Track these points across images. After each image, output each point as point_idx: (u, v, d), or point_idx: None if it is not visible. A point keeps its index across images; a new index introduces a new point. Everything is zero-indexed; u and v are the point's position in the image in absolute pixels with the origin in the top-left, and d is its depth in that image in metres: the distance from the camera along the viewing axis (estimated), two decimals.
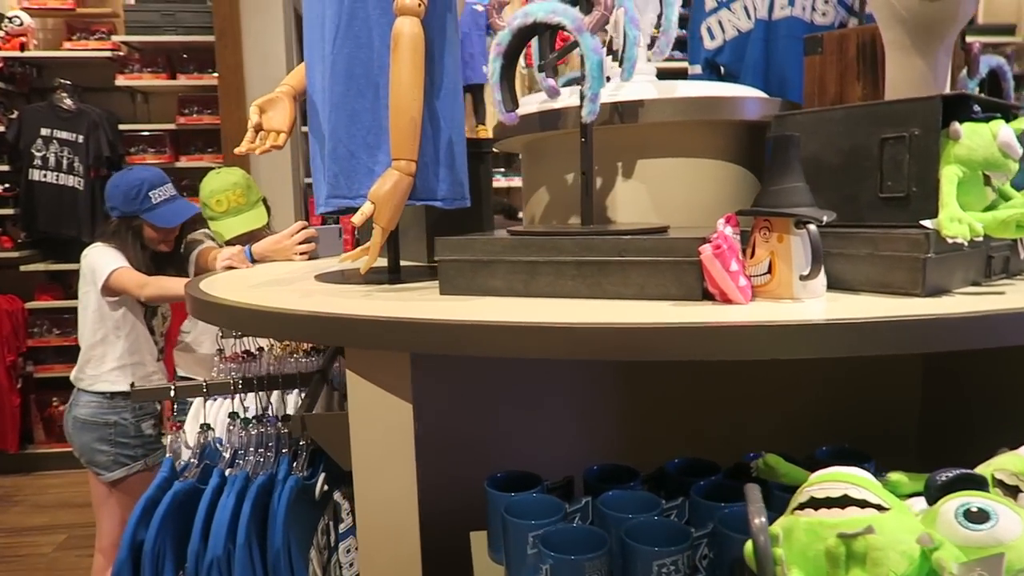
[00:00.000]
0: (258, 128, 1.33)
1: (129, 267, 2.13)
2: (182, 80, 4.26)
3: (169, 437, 1.35)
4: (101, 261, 2.15)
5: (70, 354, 4.40)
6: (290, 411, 1.53)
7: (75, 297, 4.55)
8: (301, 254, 1.90)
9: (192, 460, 1.32)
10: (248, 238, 2.38)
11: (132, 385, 1.34)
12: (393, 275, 1.35)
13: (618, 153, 1.35)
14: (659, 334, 0.84)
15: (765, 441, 1.24)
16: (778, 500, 0.99)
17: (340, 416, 1.07)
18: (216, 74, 4.12)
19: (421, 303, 1.06)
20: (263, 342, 2.11)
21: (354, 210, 1.21)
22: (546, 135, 1.45)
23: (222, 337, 1.88)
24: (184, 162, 4.36)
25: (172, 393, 1.32)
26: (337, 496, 1.40)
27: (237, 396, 1.43)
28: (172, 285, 2.07)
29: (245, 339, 1.99)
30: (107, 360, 2.18)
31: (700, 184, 1.36)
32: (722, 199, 1.37)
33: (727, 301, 0.92)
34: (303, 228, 1.92)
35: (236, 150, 1.31)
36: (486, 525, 1.18)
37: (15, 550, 3.39)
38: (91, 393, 2.20)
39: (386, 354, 1.00)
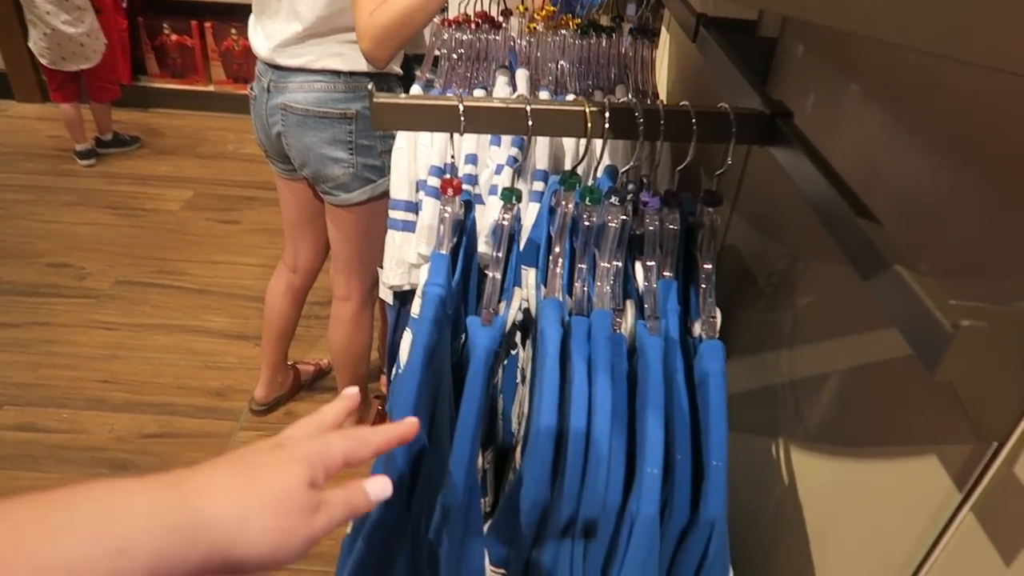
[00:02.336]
0: None
1: None
2: None
3: (429, 206, 0.65)
4: None
5: None
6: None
7: None
8: None
9: (492, 278, 0.63)
10: None
11: (371, 91, 0.60)
12: None
13: None
14: None
15: None
16: None
17: None
18: None
19: None
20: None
21: None
22: None
23: None
24: None
25: (462, 127, 0.59)
26: None
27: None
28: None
29: None
30: (344, 32, 1.34)
31: None
32: None
33: None
34: None
35: None
36: None
37: (140, 202, 3.03)
38: (315, 73, 1.38)
39: None
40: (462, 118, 0.60)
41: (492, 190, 1.08)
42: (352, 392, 0.47)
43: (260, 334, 2.32)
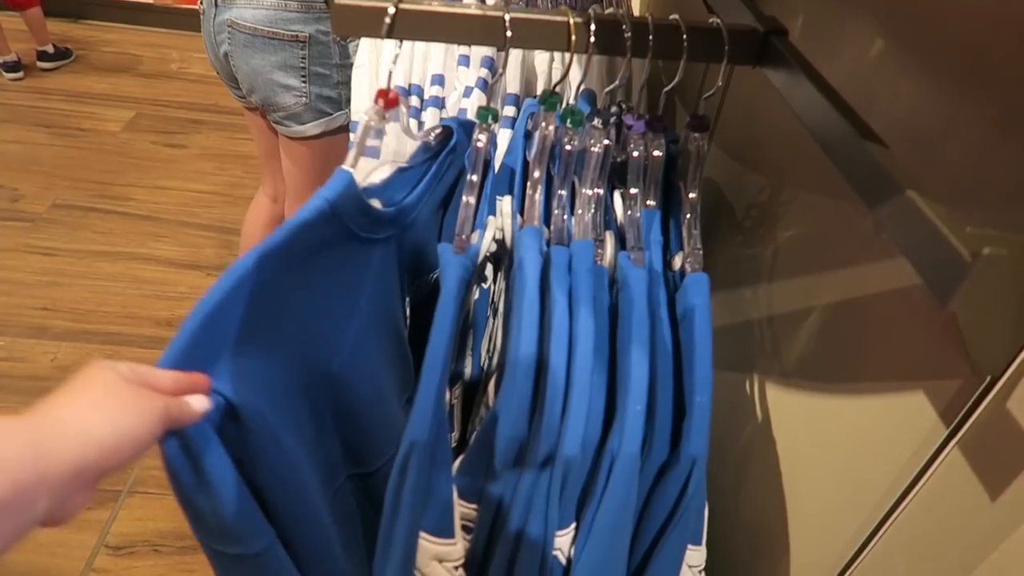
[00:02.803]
0: None
1: None
2: None
3: (392, 129, 0.60)
4: None
5: None
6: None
7: None
8: None
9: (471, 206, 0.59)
10: None
11: None
12: None
13: None
14: None
15: None
16: None
17: None
18: None
19: None
20: None
21: None
22: None
23: None
24: None
25: (397, 34, 0.53)
26: None
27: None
28: None
29: None
30: None
31: None
32: None
33: None
34: None
35: None
36: None
37: (78, 121, 2.85)
38: None
39: None
40: (432, 24, 0.55)
41: (460, 114, 1.03)
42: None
43: (213, 264, 2.24)
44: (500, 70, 0.82)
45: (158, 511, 1.55)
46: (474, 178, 0.60)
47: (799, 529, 0.63)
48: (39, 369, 1.84)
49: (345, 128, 1.32)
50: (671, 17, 0.59)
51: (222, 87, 1.51)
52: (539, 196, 0.60)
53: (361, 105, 1.04)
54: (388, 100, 0.59)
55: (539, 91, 1.05)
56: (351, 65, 1.28)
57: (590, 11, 0.58)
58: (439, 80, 1.05)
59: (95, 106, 2.96)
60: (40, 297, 2.04)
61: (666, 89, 0.62)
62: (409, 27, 0.55)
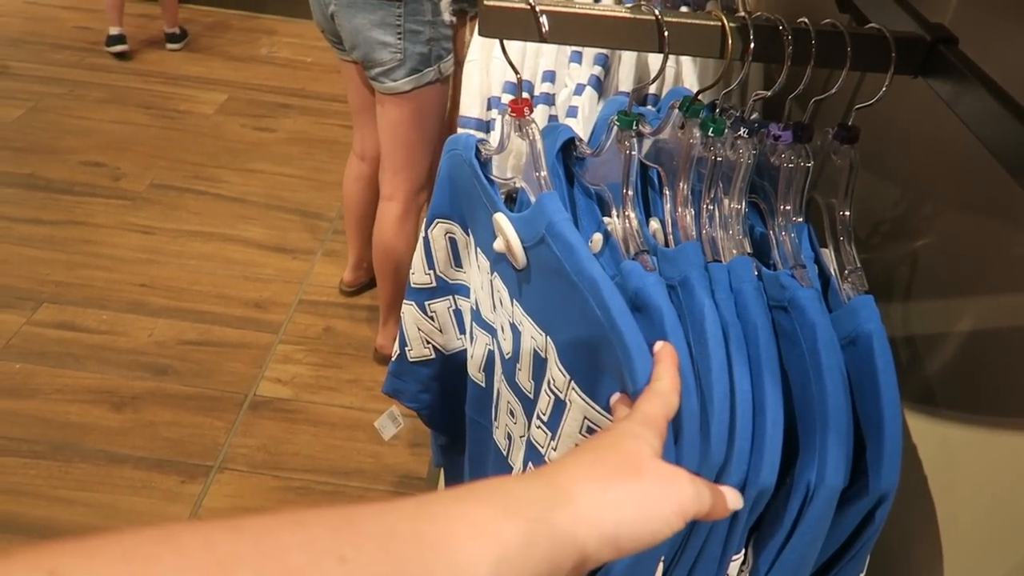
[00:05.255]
0: None
1: None
2: None
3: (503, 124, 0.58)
4: None
5: None
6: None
7: None
8: None
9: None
10: None
11: None
12: None
13: None
14: None
15: None
16: None
17: None
18: None
19: None
20: None
21: None
22: None
23: None
24: None
25: (545, 38, 0.51)
26: None
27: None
28: None
29: None
30: None
31: None
32: None
33: None
34: None
35: None
36: None
37: (174, 103, 2.95)
38: None
39: None
40: (583, 28, 0.54)
41: (570, 112, 1.01)
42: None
43: (298, 247, 2.30)
44: (611, 70, 0.80)
45: (246, 489, 1.60)
46: (629, 192, 0.58)
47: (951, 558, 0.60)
48: (138, 344, 1.92)
49: (434, 84, 1.47)
50: (825, 21, 0.56)
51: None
52: (691, 209, 0.58)
53: (471, 100, 1.04)
54: (518, 109, 0.59)
55: (653, 89, 1.03)
56: (443, 23, 1.44)
57: (745, 15, 0.56)
58: (550, 76, 1.03)
59: (191, 88, 3.06)
60: (139, 274, 2.13)
61: (816, 99, 0.59)
62: (560, 31, 0.54)
